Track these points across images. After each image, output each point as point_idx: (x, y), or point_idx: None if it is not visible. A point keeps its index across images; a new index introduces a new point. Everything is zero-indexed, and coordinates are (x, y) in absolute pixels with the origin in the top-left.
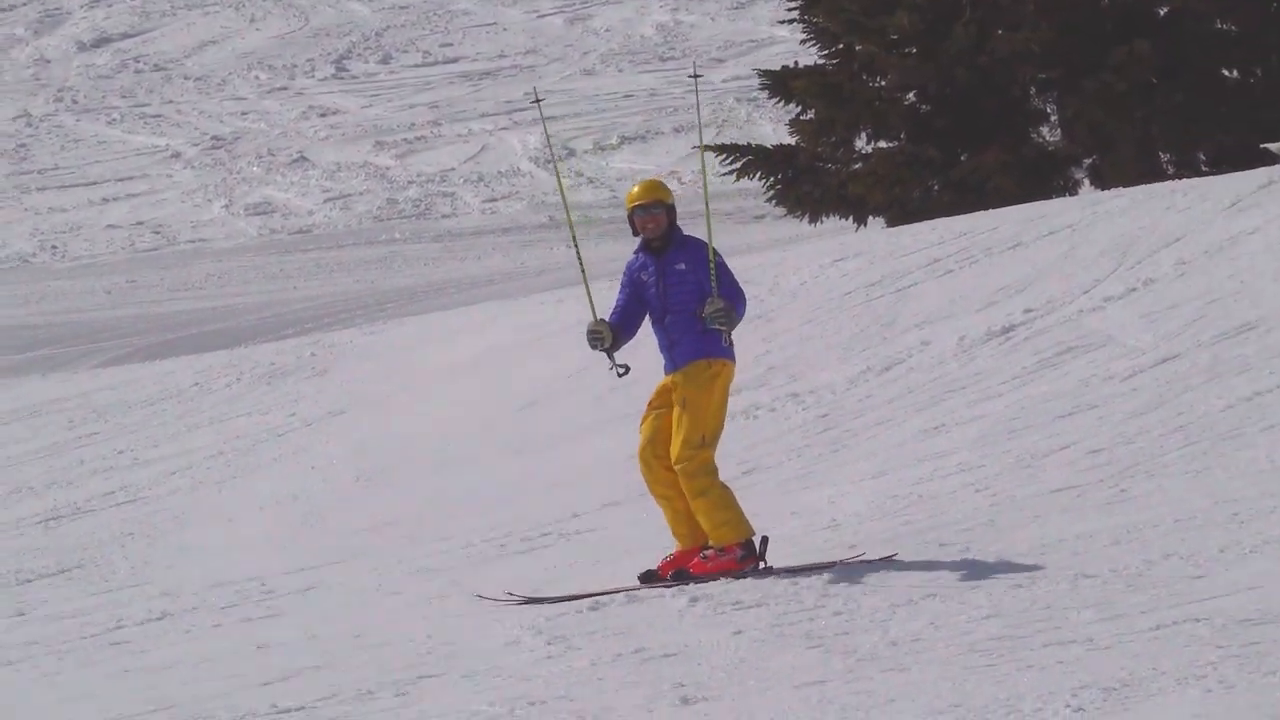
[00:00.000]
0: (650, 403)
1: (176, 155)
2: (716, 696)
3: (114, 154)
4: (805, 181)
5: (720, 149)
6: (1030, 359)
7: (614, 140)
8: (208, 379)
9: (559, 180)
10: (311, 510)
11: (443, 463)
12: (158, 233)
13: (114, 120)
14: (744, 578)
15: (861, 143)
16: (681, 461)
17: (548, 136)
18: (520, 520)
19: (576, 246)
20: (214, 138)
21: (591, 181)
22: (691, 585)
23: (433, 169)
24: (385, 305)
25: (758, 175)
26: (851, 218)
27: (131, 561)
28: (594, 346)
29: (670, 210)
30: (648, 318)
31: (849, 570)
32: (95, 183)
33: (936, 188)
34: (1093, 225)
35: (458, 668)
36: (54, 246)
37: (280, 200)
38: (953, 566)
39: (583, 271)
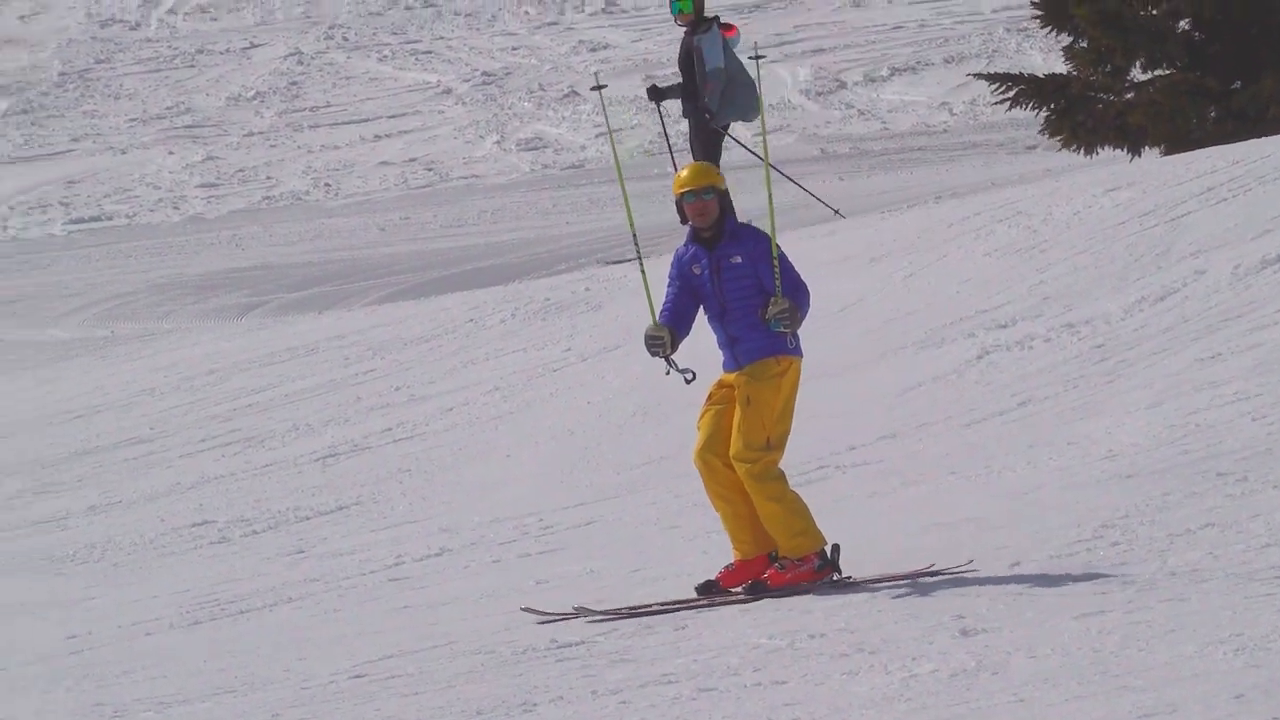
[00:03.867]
0: (710, 396)
1: (448, 91)
2: (996, 628)
3: (385, 91)
4: (1078, 111)
5: (992, 78)
6: None
7: (883, 70)
8: (482, 315)
9: (616, 163)
10: (589, 445)
11: None
12: (430, 169)
13: (385, 57)
14: (821, 590)
15: (1136, 71)
16: (745, 463)
17: (608, 121)
18: (796, 453)
19: (636, 243)
20: (485, 73)
21: (862, 114)
22: (767, 599)
23: None
24: (658, 240)
25: (1029, 105)
26: (1126, 148)
27: (410, 498)
28: (654, 353)
29: (723, 197)
30: (701, 312)
31: (1124, 497)
32: (367, 120)
33: (1215, 117)
34: None
35: (736, 601)
36: (327, 184)
37: (552, 135)
38: (1230, 496)
39: (643, 273)
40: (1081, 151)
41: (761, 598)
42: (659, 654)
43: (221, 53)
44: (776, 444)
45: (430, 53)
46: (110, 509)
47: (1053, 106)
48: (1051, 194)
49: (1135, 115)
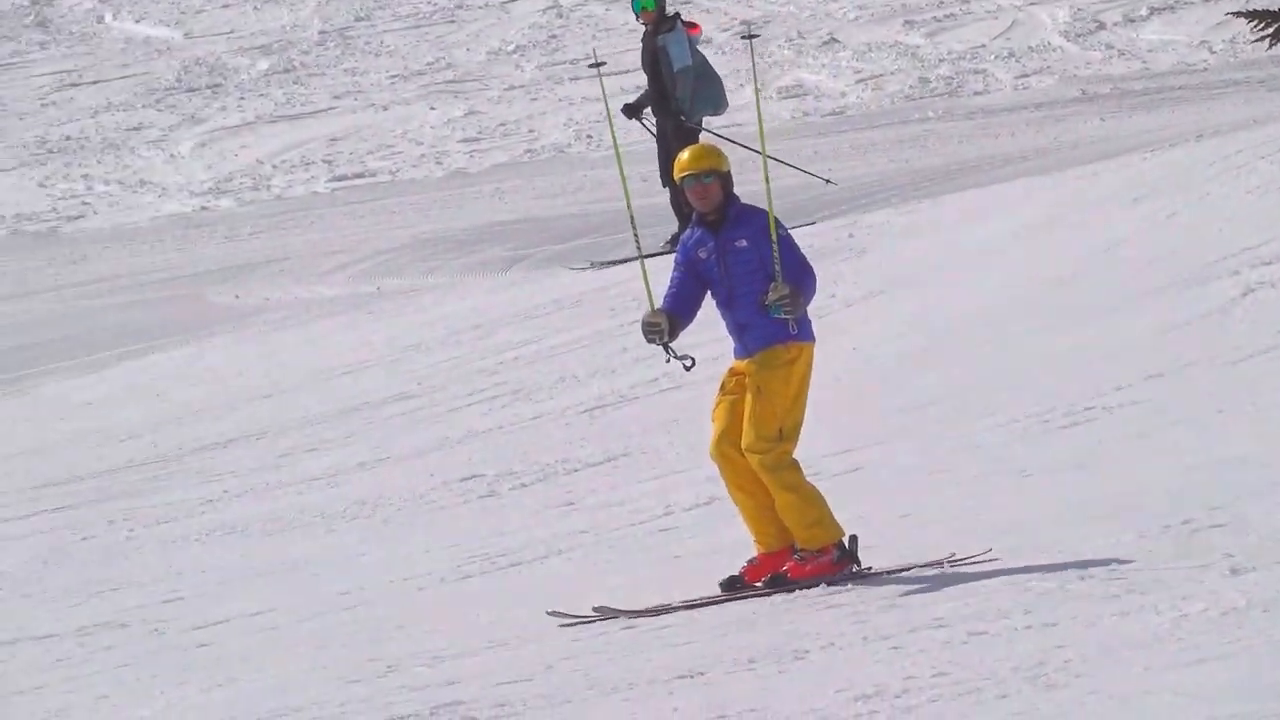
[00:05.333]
0: (722, 385)
1: (708, 40)
2: (1266, 566)
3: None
4: None
5: (1251, 15)
6: None
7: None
8: None
9: (616, 148)
10: (854, 390)
11: (983, 340)
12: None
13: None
14: (842, 582)
15: None
16: (757, 453)
17: (606, 101)
18: (1062, 395)
19: (635, 230)
20: (742, 22)
21: (1121, 54)
22: (794, 592)
23: (963, 46)
24: (920, 185)
25: None
26: None
27: (677, 448)
28: (650, 340)
29: (725, 179)
30: (709, 298)
31: None
32: (626, 71)
33: None
34: None
35: (1005, 543)
36: (589, 136)
37: (812, 83)
38: None
39: (641, 263)
40: None
41: (787, 589)
42: (929, 598)
43: (480, 7)
44: (789, 434)
45: (690, 2)
46: (380, 465)
47: None
48: None
49: None
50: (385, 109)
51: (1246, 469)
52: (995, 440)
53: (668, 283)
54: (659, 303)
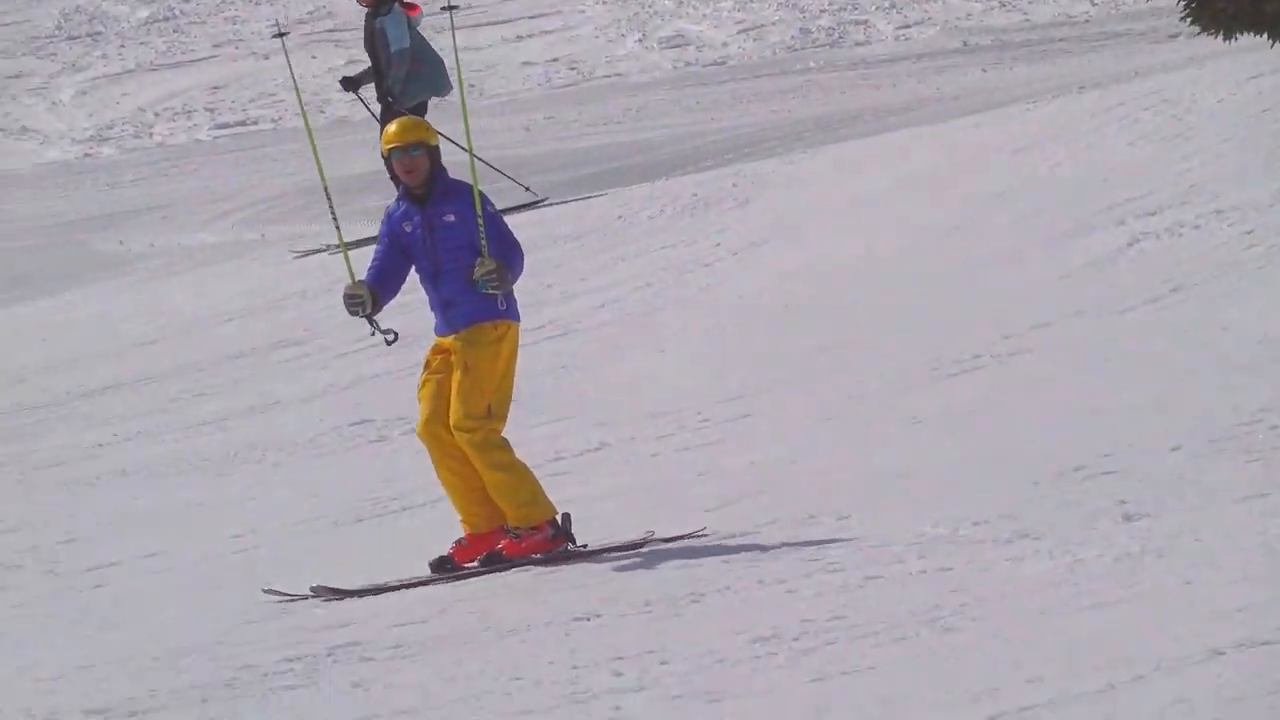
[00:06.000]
0: (427, 363)
1: None
2: (1158, 513)
3: None
4: None
5: None
6: None
7: None
8: (630, 211)
9: (305, 120)
10: (742, 339)
11: (870, 289)
12: (573, 68)
13: None
14: (557, 558)
15: None
16: (465, 431)
17: (292, 72)
18: (951, 345)
19: (331, 203)
20: None
21: (1003, 5)
22: (510, 570)
23: None
24: (803, 135)
25: None
26: (1267, 34)
27: (566, 394)
28: (353, 313)
29: (434, 152)
30: (413, 273)
31: None
32: (509, 20)
33: None
34: None
35: (897, 489)
36: (471, 85)
37: (693, 33)
38: None
39: (337, 228)
40: (1221, 37)
41: (497, 569)
42: (822, 546)
43: None
44: (498, 412)
45: None
46: (269, 410)
47: None
48: (1194, 82)
49: (1272, 3)
50: (266, 58)
51: (1135, 417)
52: (885, 388)
53: (371, 256)
54: (361, 275)
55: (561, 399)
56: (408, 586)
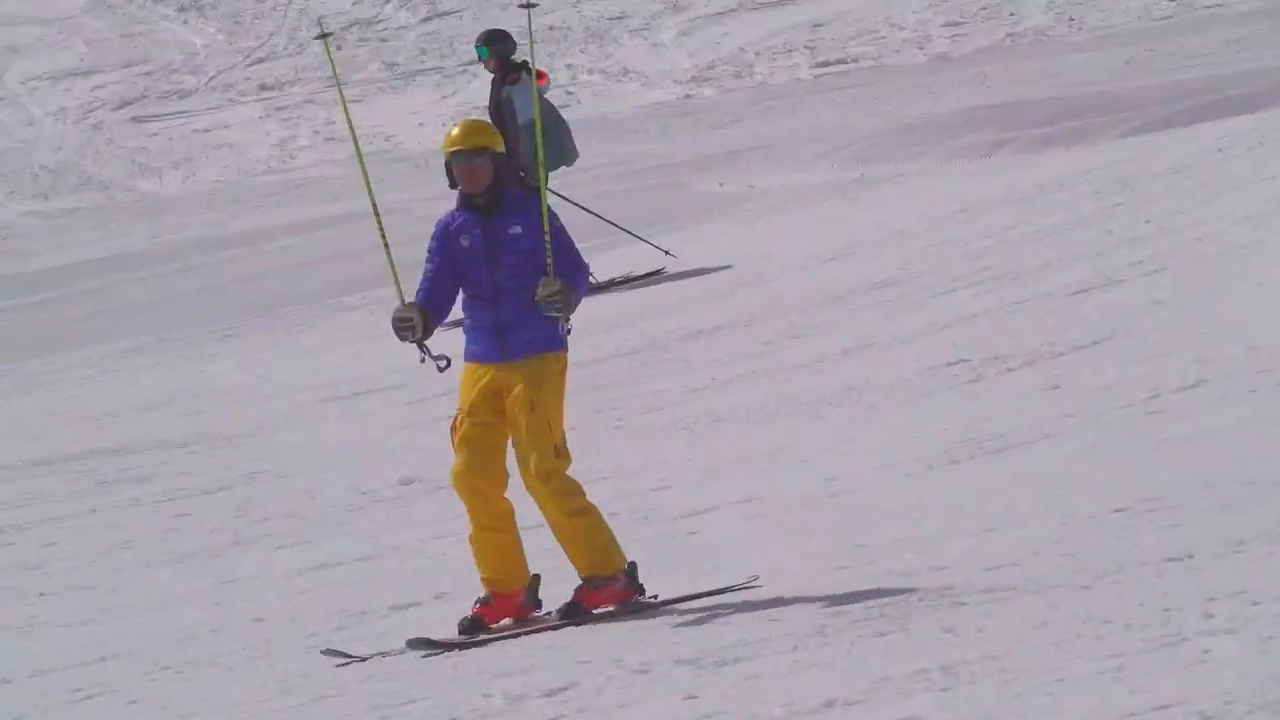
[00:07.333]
0: (462, 407)
1: None
2: None
3: None
4: None
5: None
6: None
7: None
8: (1230, 144)
9: (353, 133)
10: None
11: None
12: (1174, 1)
13: None
14: (635, 610)
15: None
16: (551, 477)
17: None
18: None
19: (377, 216)
20: None
21: None
22: (586, 624)
23: None
24: None
25: None
26: None
27: (1164, 330)
28: (402, 338)
29: (499, 160)
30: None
31: None
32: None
33: None
34: None
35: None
36: (1070, 19)
37: None
38: None
39: (386, 248)
40: None
41: (581, 622)
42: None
43: None
44: (563, 450)
45: None
46: (865, 351)
47: None
48: None
49: None
50: None
51: None
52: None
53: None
54: (415, 297)
55: (1159, 335)
56: (510, 636)
